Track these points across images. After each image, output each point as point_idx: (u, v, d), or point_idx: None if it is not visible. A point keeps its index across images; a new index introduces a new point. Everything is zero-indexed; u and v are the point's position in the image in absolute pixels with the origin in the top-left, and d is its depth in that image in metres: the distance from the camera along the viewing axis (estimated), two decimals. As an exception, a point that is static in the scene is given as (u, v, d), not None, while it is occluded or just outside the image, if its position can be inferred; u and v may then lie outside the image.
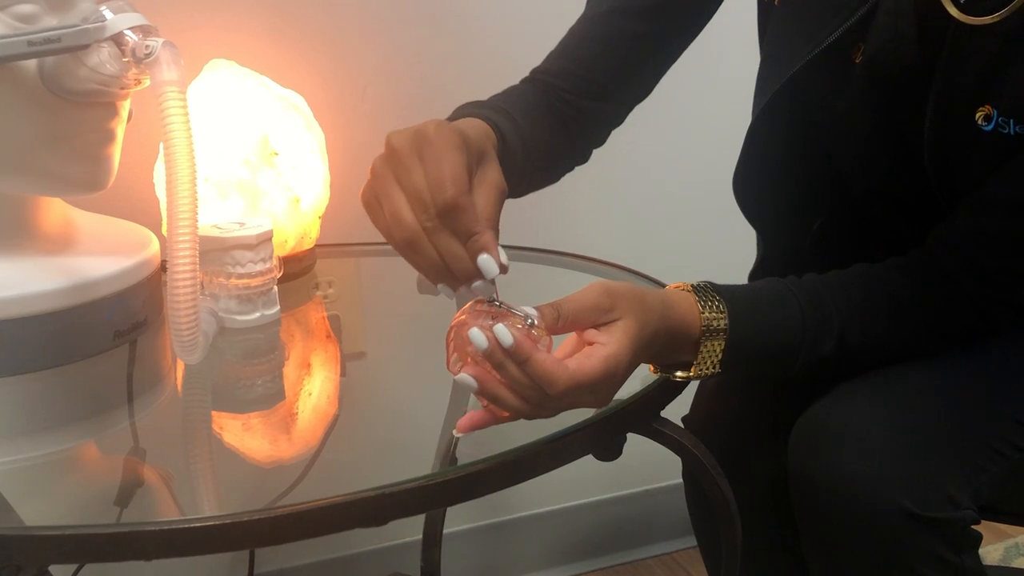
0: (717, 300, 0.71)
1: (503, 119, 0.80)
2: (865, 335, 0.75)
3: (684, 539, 1.57)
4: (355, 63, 1.22)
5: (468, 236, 0.61)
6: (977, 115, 0.72)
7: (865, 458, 0.70)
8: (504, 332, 0.59)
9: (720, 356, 0.71)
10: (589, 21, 0.91)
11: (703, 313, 0.70)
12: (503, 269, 0.62)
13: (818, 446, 0.73)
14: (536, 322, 0.61)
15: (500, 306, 0.62)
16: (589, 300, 0.64)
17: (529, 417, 0.62)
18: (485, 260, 0.61)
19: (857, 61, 0.80)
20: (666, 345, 0.69)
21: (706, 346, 0.70)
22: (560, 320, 0.63)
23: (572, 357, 0.62)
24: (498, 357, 0.59)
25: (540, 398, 0.61)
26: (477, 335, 0.59)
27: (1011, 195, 0.72)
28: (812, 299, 0.74)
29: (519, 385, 0.60)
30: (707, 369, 0.71)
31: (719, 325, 0.70)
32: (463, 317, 0.62)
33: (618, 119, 0.94)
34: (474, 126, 0.71)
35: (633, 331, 0.64)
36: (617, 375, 0.63)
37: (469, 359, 0.61)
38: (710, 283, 0.73)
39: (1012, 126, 0.71)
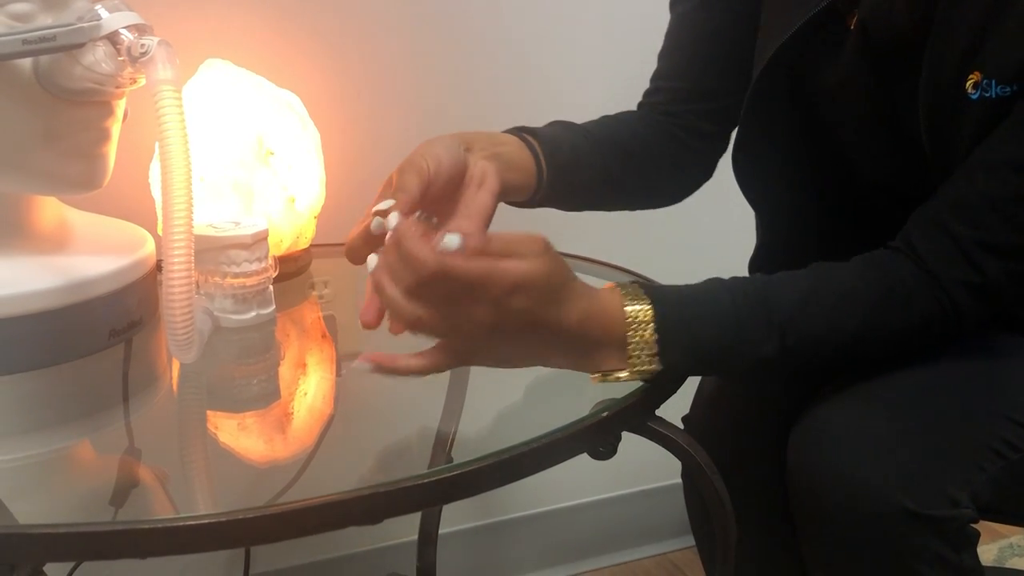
0: (643, 295, 0.70)
1: (549, 128, 0.87)
2: (806, 331, 0.72)
3: (681, 539, 1.57)
4: (351, 63, 1.23)
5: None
6: (967, 83, 0.72)
7: (864, 458, 0.70)
8: (371, 262, 0.65)
9: (654, 349, 0.69)
10: (667, 36, 0.96)
11: (626, 306, 0.69)
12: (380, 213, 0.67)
13: (817, 446, 0.73)
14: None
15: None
16: (520, 234, 0.65)
17: (403, 322, 0.65)
18: (372, 224, 0.68)
19: (851, 28, 0.80)
20: (589, 337, 0.68)
21: (635, 340, 0.69)
22: (487, 248, 0.63)
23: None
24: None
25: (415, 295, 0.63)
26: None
27: (987, 159, 0.72)
28: (749, 297, 0.72)
29: (395, 270, 0.63)
30: (643, 364, 0.70)
31: (645, 317, 0.69)
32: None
33: (729, 116, 0.95)
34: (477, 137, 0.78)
35: (544, 267, 0.63)
36: (505, 291, 0.62)
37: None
38: (638, 281, 0.72)
39: (994, 88, 0.71)
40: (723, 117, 0.95)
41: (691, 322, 0.70)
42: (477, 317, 0.63)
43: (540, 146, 0.84)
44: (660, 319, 0.69)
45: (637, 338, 0.69)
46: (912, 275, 0.74)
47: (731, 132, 0.96)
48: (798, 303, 0.72)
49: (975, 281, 0.73)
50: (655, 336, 0.69)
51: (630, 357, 0.69)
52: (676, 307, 0.70)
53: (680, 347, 0.70)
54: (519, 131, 0.85)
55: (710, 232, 1.44)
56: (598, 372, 0.70)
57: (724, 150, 0.98)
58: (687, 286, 0.73)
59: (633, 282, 0.72)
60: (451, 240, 0.62)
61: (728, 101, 0.94)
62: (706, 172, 0.99)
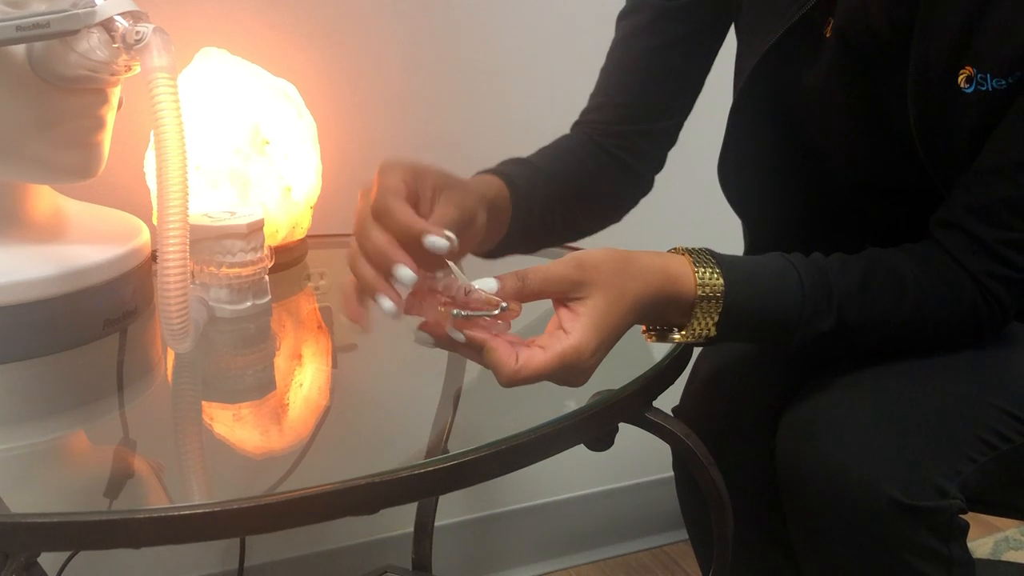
0: (713, 264, 0.71)
1: (514, 166, 0.85)
2: (864, 310, 0.74)
3: (676, 532, 1.57)
4: (346, 52, 1.22)
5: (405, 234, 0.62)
6: (959, 78, 0.72)
7: (852, 448, 0.70)
8: (455, 335, 0.62)
9: (716, 319, 0.70)
10: (612, 51, 0.94)
11: (697, 273, 0.69)
12: (450, 240, 0.61)
13: (806, 436, 0.73)
14: (505, 306, 0.63)
15: (468, 293, 0.63)
16: (557, 272, 0.64)
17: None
18: (431, 240, 0.61)
19: (828, 36, 0.80)
20: (655, 307, 0.68)
21: (701, 308, 0.70)
22: (525, 290, 0.63)
23: (531, 347, 0.62)
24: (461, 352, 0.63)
25: (503, 377, 0.62)
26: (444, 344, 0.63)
27: (998, 163, 0.73)
28: (812, 272, 0.73)
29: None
30: (702, 331, 0.71)
31: (715, 284, 0.70)
32: (427, 296, 0.63)
33: (670, 137, 0.95)
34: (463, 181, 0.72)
35: (600, 311, 0.63)
36: (582, 362, 0.63)
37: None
38: (708, 249, 0.73)
39: (990, 81, 0.71)
40: (665, 138, 0.95)
41: (758, 294, 0.71)
42: (578, 374, 0.64)
43: (513, 196, 0.82)
44: (730, 287, 0.70)
45: (704, 303, 0.70)
46: (951, 267, 0.75)
47: (668, 152, 0.96)
48: (856, 283, 0.73)
49: (1005, 274, 0.74)
50: (722, 304, 0.70)
51: (692, 320, 0.70)
52: (746, 275, 0.71)
53: (743, 317, 0.71)
54: (502, 176, 0.82)
55: (696, 240, 1.43)
56: (655, 330, 0.72)
57: (660, 169, 0.97)
58: (752, 257, 0.74)
59: (702, 248, 0.72)
60: (487, 283, 0.63)
61: (675, 119, 0.94)
62: (645, 190, 0.98)
